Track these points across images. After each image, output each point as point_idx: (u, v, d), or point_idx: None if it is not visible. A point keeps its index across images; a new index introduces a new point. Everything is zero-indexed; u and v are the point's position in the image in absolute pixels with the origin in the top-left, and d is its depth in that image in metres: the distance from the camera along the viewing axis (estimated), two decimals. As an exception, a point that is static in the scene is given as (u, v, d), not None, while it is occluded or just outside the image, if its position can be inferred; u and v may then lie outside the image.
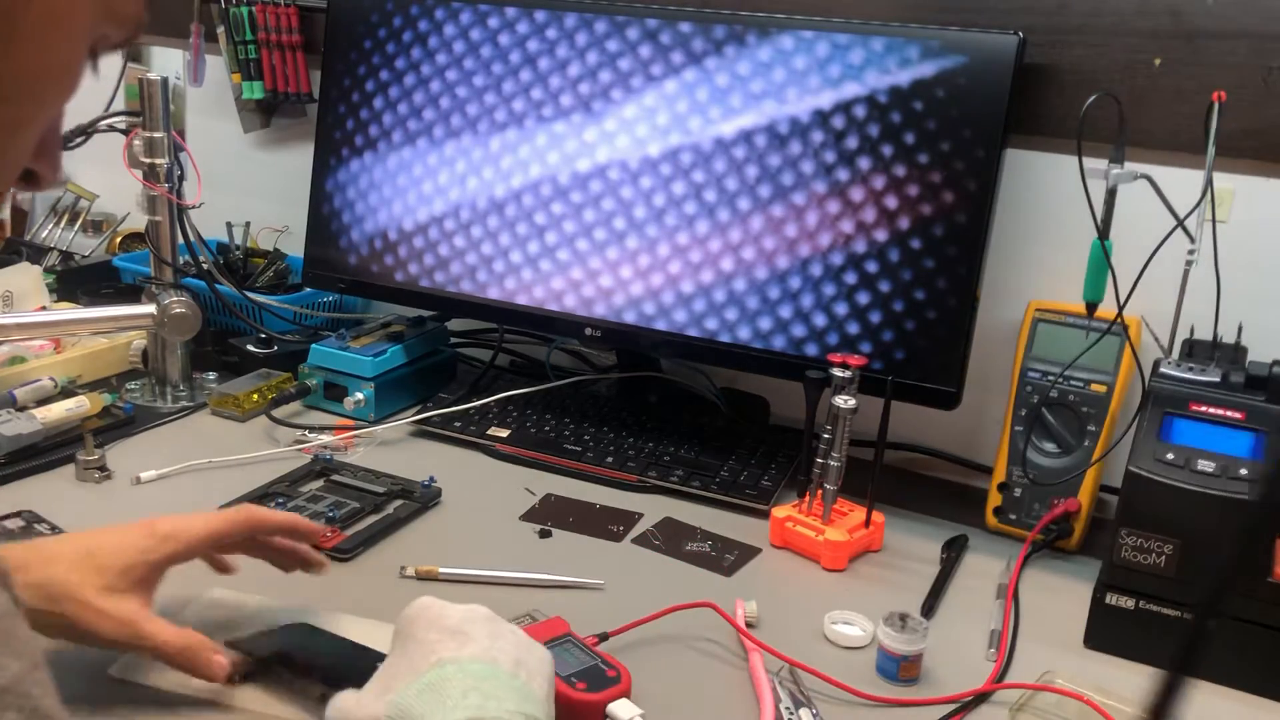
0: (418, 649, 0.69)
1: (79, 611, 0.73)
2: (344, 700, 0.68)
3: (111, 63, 1.66)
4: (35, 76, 0.45)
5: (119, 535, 0.77)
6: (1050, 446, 1.10)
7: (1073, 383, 1.09)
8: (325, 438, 1.22)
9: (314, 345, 1.32)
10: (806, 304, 1.15)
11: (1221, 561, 0.73)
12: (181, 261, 1.33)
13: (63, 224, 1.76)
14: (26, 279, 1.43)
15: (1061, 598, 1.00)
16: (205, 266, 1.36)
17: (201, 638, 0.76)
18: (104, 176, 1.75)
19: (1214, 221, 0.97)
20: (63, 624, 0.73)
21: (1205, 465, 0.89)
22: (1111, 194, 0.95)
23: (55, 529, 0.98)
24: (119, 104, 1.65)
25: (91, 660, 0.81)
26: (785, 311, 1.16)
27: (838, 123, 1.12)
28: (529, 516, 1.09)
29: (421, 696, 0.65)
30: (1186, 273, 0.96)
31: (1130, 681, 0.88)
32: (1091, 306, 0.99)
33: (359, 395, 1.28)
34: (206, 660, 0.75)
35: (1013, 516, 1.11)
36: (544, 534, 1.06)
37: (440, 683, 0.65)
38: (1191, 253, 0.96)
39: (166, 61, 1.69)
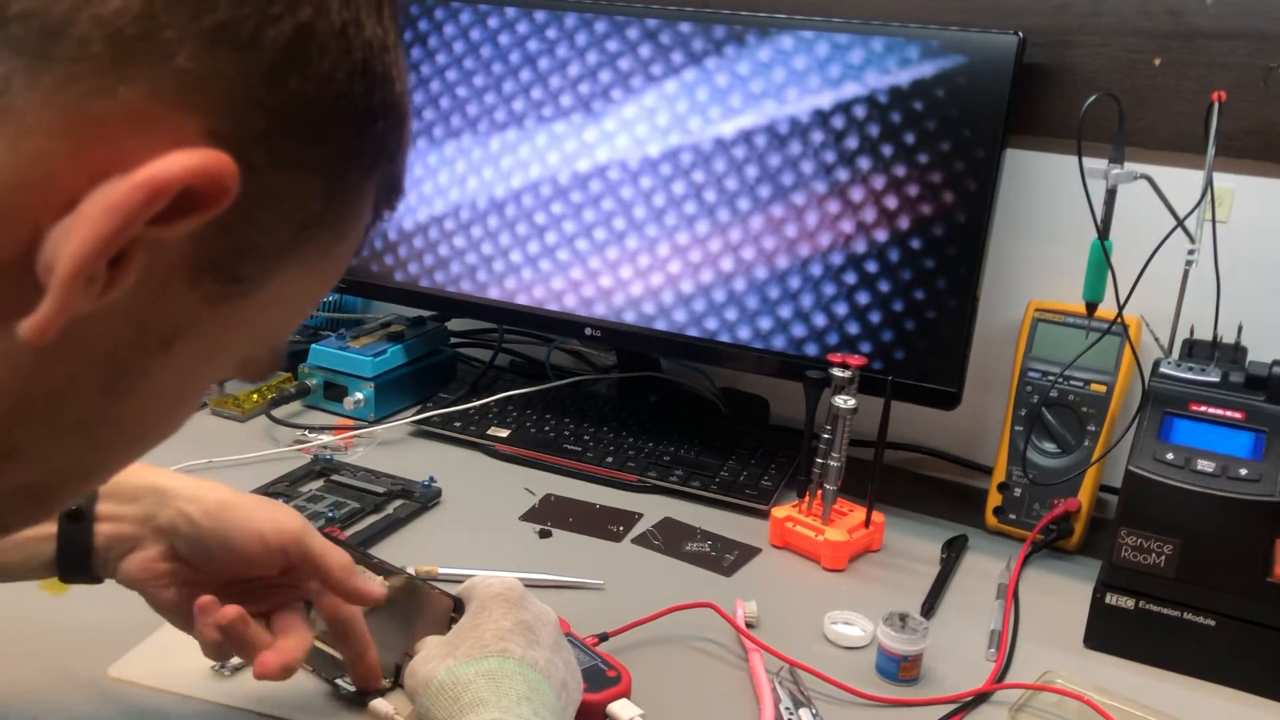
0: (490, 627, 0.70)
1: (247, 519, 0.70)
2: (426, 646, 0.71)
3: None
4: (139, 429, 0.43)
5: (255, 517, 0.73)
6: (1050, 446, 1.10)
7: (1073, 383, 1.09)
8: (325, 438, 1.22)
9: (314, 345, 1.32)
10: (806, 304, 1.15)
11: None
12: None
13: (63, 224, 1.76)
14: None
15: (1061, 598, 1.00)
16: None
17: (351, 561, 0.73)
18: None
19: (1214, 221, 0.97)
20: (221, 531, 0.69)
21: (1205, 465, 0.89)
22: (1111, 194, 0.95)
23: (55, 529, 0.98)
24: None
25: (92, 660, 0.81)
26: (785, 311, 1.16)
27: (838, 123, 1.12)
28: (529, 516, 1.09)
29: (480, 679, 0.65)
30: (1186, 273, 0.96)
31: (1130, 681, 0.88)
32: (1091, 306, 0.99)
33: (359, 395, 1.28)
34: (366, 583, 0.72)
35: (1013, 516, 1.11)
36: (544, 534, 1.06)
37: (500, 675, 0.66)
38: (1191, 253, 0.96)
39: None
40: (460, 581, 0.95)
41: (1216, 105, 0.95)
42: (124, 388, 0.39)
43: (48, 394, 0.38)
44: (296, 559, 0.71)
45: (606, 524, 1.09)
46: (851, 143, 1.12)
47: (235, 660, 0.81)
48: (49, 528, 0.69)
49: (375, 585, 0.74)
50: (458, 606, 0.76)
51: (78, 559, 0.70)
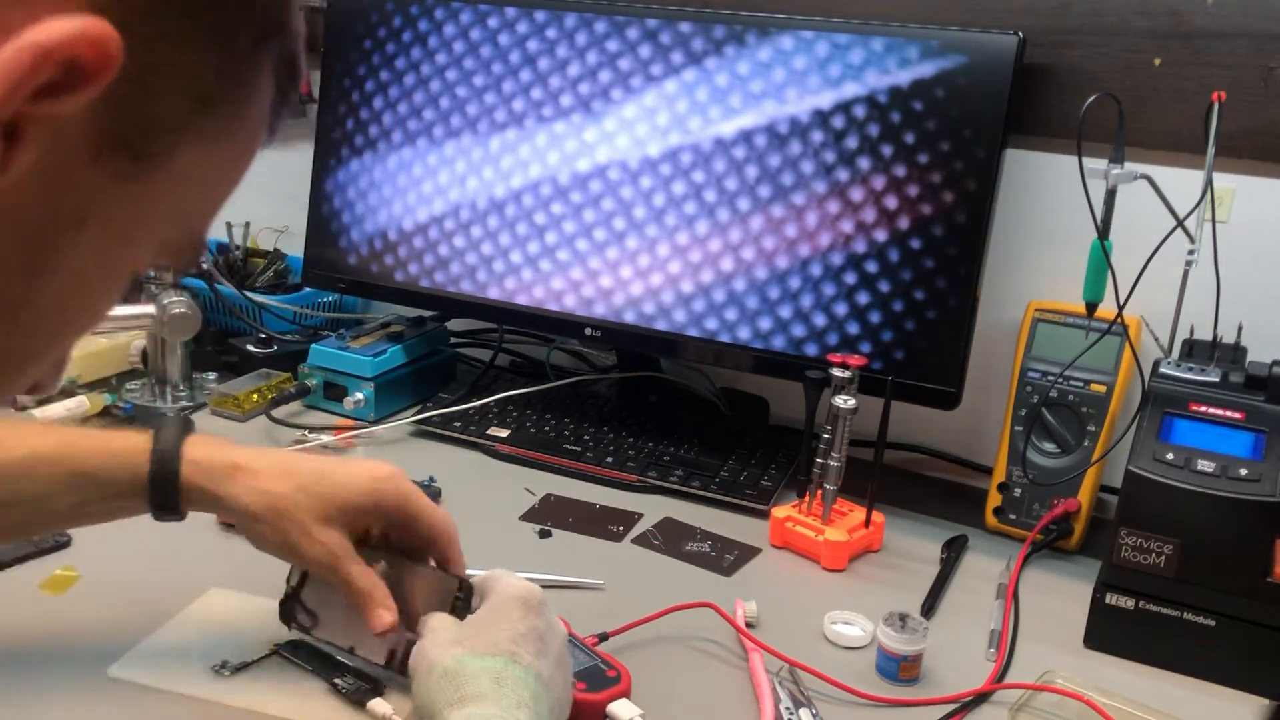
0: (506, 628, 0.71)
1: (295, 532, 0.77)
2: (437, 622, 0.74)
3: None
4: (64, 314, 0.44)
5: (347, 470, 0.81)
6: (1050, 446, 1.10)
7: (1073, 383, 1.09)
8: (325, 438, 1.22)
9: (314, 345, 1.32)
10: (806, 304, 1.15)
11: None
12: (181, 261, 1.33)
13: (63, 224, 1.76)
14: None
15: (1061, 598, 1.00)
16: (205, 266, 1.36)
17: (385, 592, 0.78)
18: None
19: (1214, 221, 0.97)
20: (276, 537, 0.78)
21: (1205, 465, 0.89)
22: (1111, 194, 0.95)
23: (55, 529, 0.98)
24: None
25: (92, 660, 0.81)
26: (785, 311, 1.16)
27: (838, 123, 1.12)
28: (529, 516, 1.09)
29: (485, 674, 0.67)
30: (1186, 273, 0.96)
31: (1130, 681, 0.88)
32: (1091, 306, 0.99)
33: (359, 395, 1.28)
34: (379, 616, 0.77)
35: (1013, 516, 1.11)
36: (544, 534, 1.06)
37: (506, 676, 0.68)
38: (1191, 253, 0.96)
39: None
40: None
41: (1216, 105, 0.95)
42: (43, 268, 0.40)
43: None
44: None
45: (606, 524, 1.09)
46: (851, 143, 1.12)
47: (235, 660, 0.81)
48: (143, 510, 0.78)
49: (380, 621, 0.78)
50: (463, 587, 0.78)
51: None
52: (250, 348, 1.40)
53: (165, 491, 0.78)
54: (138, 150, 0.39)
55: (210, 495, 0.78)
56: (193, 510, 0.80)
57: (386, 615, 0.77)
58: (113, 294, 0.45)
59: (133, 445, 0.78)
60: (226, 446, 0.80)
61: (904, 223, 1.11)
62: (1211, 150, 0.94)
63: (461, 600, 0.77)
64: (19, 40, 0.34)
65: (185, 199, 0.44)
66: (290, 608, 0.82)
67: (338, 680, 0.79)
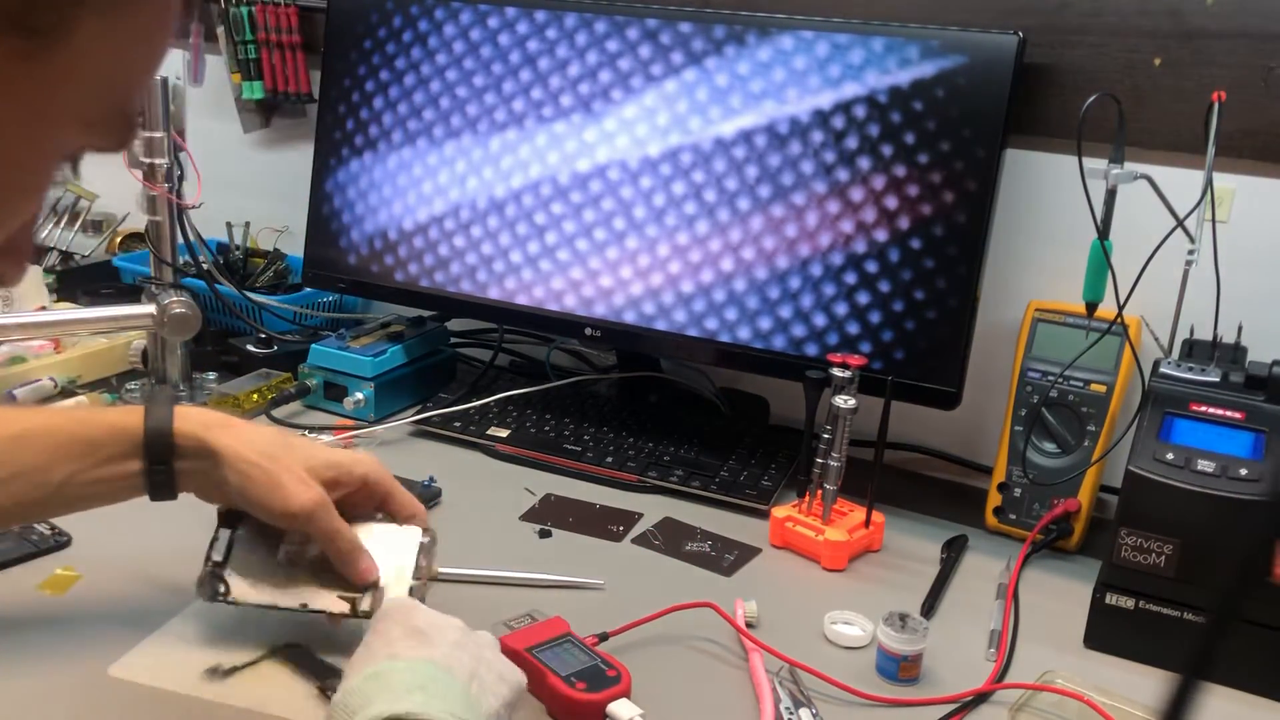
0: (378, 640, 0.72)
1: (287, 475, 0.80)
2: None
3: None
4: (4, 186, 0.44)
5: (329, 445, 0.87)
6: (1050, 446, 1.10)
7: (1073, 383, 1.09)
8: (325, 438, 1.22)
9: (314, 345, 1.32)
10: (806, 304, 1.15)
11: (1233, 565, 0.72)
12: (181, 261, 1.33)
13: (62, 224, 1.75)
14: (26, 279, 1.43)
15: (1061, 598, 1.00)
16: (205, 266, 1.36)
17: (363, 546, 0.83)
18: (104, 176, 1.75)
19: (1214, 221, 0.97)
20: (266, 479, 0.80)
21: (1205, 465, 0.89)
22: (1111, 194, 0.95)
23: (55, 529, 0.98)
24: (119, 104, 1.65)
25: (92, 660, 0.81)
26: (785, 311, 1.16)
27: (838, 123, 1.12)
28: (529, 516, 1.09)
29: (365, 684, 0.67)
30: (1186, 273, 0.96)
31: (1130, 681, 0.88)
32: (1091, 306, 0.99)
33: (359, 395, 1.28)
34: (367, 564, 0.82)
35: (1013, 516, 1.11)
36: (544, 534, 1.06)
37: (387, 674, 0.67)
38: (1191, 253, 0.96)
39: (166, 62, 1.69)
40: (460, 581, 0.96)
41: (1216, 105, 0.95)
42: None
43: None
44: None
45: (606, 524, 1.09)
46: (851, 143, 1.12)
47: (235, 661, 0.81)
48: (138, 477, 0.81)
49: (368, 572, 0.83)
50: (427, 533, 0.86)
51: (165, 495, 0.83)
52: (250, 348, 1.40)
53: (160, 446, 0.80)
54: (29, 25, 0.40)
55: (204, 445, 0.80)
56: (186, 465, 0.81)
57: (374, 563, 0.82)
58: (43, 174, 0.46)
59: (126, 411, 0.82)
60: (216, 412, 0.85)
61: (904, 223, 1.11)
62: (1211, 150, 0.94)
63: (428, 544, 0.85)
64: None
65: (96, 73, 0.43)
66: (213, 583, 0.82)
67: (328, 683, 0.79)
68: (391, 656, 0.70)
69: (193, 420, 0.81)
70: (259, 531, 0.84)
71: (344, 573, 0.82)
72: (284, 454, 0.81)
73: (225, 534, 0.84)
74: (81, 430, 0.80)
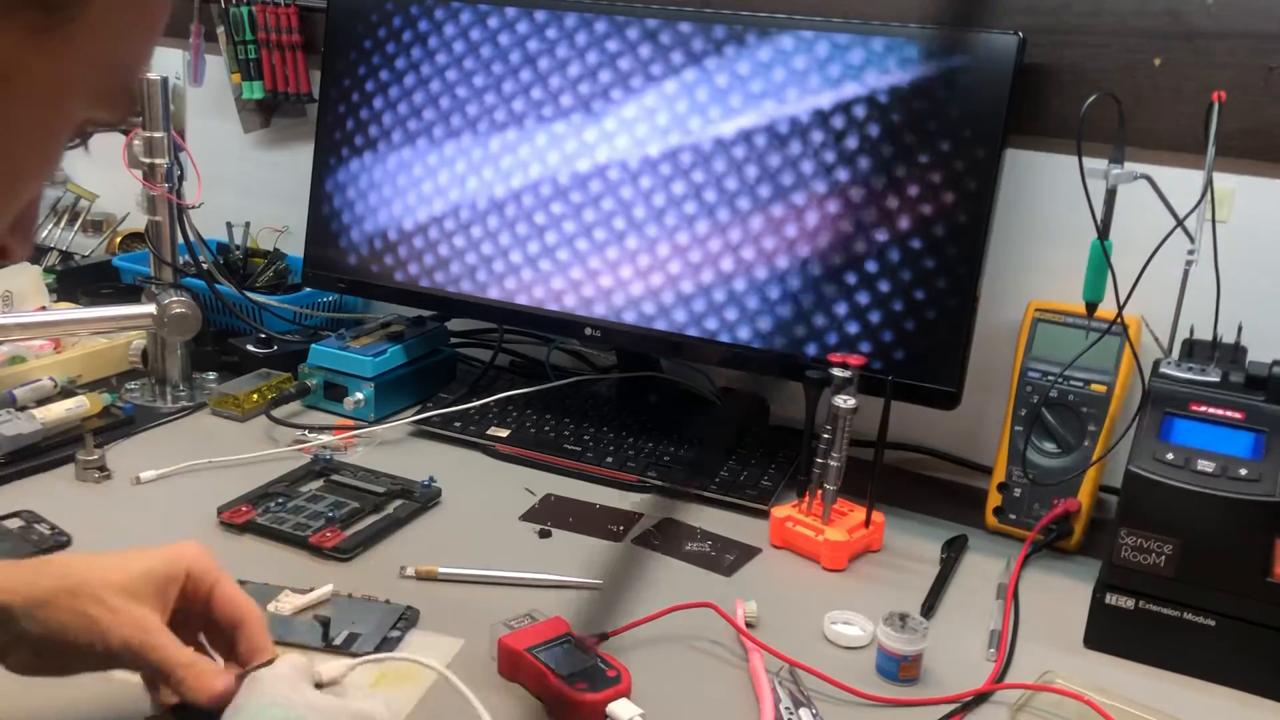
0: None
1: (95, 608, 0.67)
2: None
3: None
4: (21, 159, 0.45)
5: (144, 549, 0.72)
6: (1050, 446, 1.10)
7: (1073, 383, 1.09)
8: (325, 438, 1.22)
9: (314, 345, 1.32)
10: (806, 304, 1.15)
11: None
12: (181, 261, 1.33)
13: (63, 224, 1.76)
14: (26, 279, 1.43)
15: (1061, 598, 1.00)
16: (205, 266, 1.36)
17: (208, 660, 0.70)
18: (104, 176, 1.75)
19: (1214, 221, 0.97)
20: (75, 620, 0.67)
21: (1205, 465, 0.89)
22: (1111, 194, 0.95)
23: (55, 529, 0.98)
24: (119, 104, 1.65)
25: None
26: (785, 311, 1.16)
27: (838, 123, 1.12)
28: (529, 516, 1.09)
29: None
30: (1186, 273, 0.96)
31: (1130, 681, 0.88)
32: (1091, 306, 0.99)
33: (359, 395, 1.28)
34: (208, 683, 0.68)
35: (1013, 516, 1.11)
36: (544, 534, 1.06)
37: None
38: (1191, 253, 0.96)
39: (166, 61, 1.69)
40: (460, 581, 0.96)
41: (1216, 105, 0.95)
42: None
43: None
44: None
45: (607, 524, 1.09)
46: (851, 143, 1.12)
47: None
48: None
49: (215, 692, 0.69)
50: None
51: None
52: (250, 348, 1.40)
53: None
54: (48, 3, 0.40)
55: None
56: None
57: (219, 677, 0.68)
58: (56, 147, 0.46)
59: None
60: None
61: (904, 223, 1.11)
62: (1211, 150, 0.94)
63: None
64: None
65: (105, 47, 0.44)
66: None
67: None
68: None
69: None
70: None
71: (195, 700, 0.68)
72: (90, 579, 0.68)
73: None
74: None
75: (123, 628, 0.67)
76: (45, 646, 0.68)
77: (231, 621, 0.72)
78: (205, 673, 0.68)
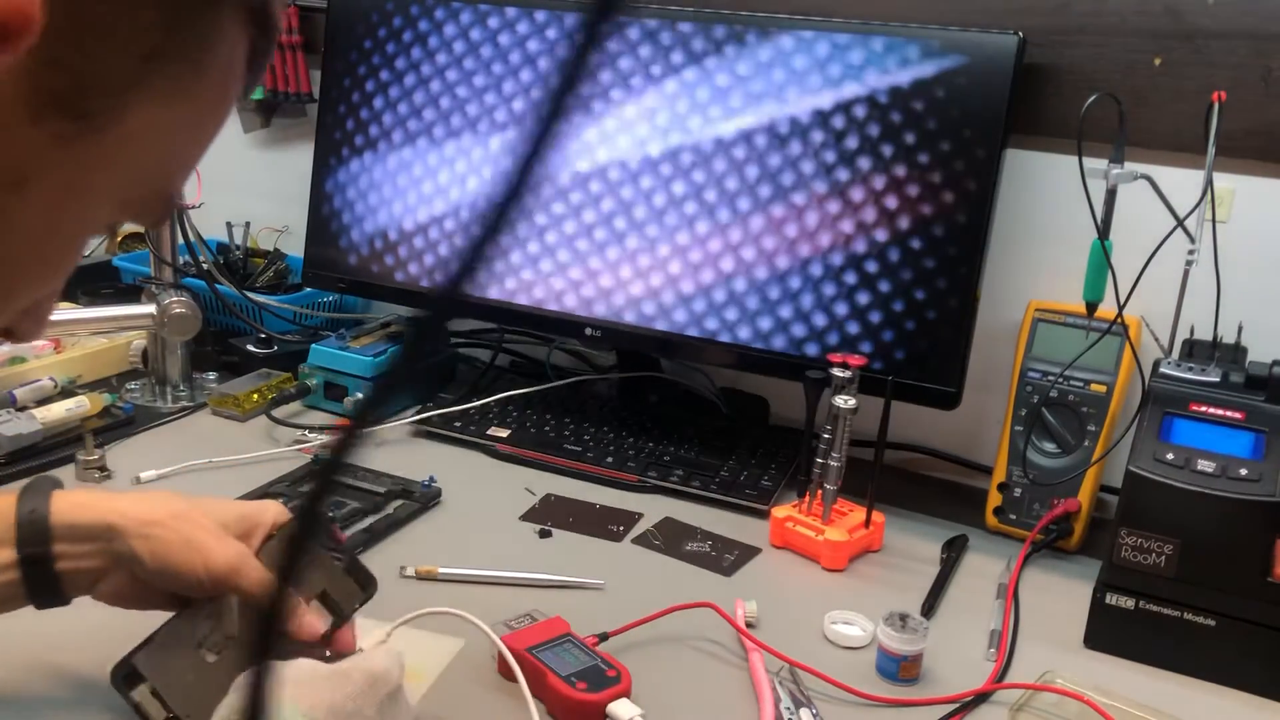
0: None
1: (200, 531, 0.71)
2: None
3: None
4: (16, 271, 0.42)
5: (211, 499, 0.76)
6: (1050, 446, 1.10)
7: (1073, 383, 1.09)
8: (325, 438, 1.22)
9: (314, 345, 1.32)
10: (806, 304, 1.15)
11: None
12: (181, 261, 1.33)
13: (63, 224, 1.76)
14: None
15: (1061, 598, 1.00)
16: (205, 266, 1.36)
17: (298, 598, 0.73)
18: (104, 176, 1.75)
19: (1214, 221, 0.97)
20: (177, 539, 0.70)
21: (1205, 465, 0.89)
22: (1111, 194, 0.95)
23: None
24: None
25: (91, 660, 0.81)
26: (785, 311, 1.16)
27: (838, 123, 1.12)
28: (529, 516, 1.09)
29: None
30: (1186, 273, 0.96)
31: (1130, 681, 0.88)
32: (1091, 306, 0.99)
33: (359, 395, 1.28)
34: (309, 620, 0.71)
35: (1013, 516, 1.11)
36: (544, 534, 1.06)
37: None
38: (1191, 253, 0.96)
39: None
40: (460, 581, 0.96)
41: (1216, 105, 0.95)
42: None
43: None
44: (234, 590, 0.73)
45: (606, 524, 1.09)
46: (851, 143, 1.12)
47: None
48: (11, 571, 0.70)
49: (308, 626, 0.73)
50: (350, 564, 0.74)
51: (47, 593, 0.71)
52: (250, 348, 1.40)
53: (34, 528, 0.69)
54: (79, 110, 0.38)
55: (87, 526, 0.70)
56: (68, 548, 0.70)
57: (314, 617, 0.72)
58: (70, 251, 0.44)
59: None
60: (100, 503, 0.73)
61: (904, 223, 1.11)
62: (1211, 150, 0.94)
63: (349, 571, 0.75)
64: None
65: (143, 158, 0.42)
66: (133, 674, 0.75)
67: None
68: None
69: (71, 500, 0.71)
70: (170, 643, 0.75)
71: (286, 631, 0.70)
72: (192, 509, 0.72)
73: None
74: None
75: (226, 551, 0.71)
76: (146, 567, 0.70)
77: None
78: (296, 610, 0.72)
